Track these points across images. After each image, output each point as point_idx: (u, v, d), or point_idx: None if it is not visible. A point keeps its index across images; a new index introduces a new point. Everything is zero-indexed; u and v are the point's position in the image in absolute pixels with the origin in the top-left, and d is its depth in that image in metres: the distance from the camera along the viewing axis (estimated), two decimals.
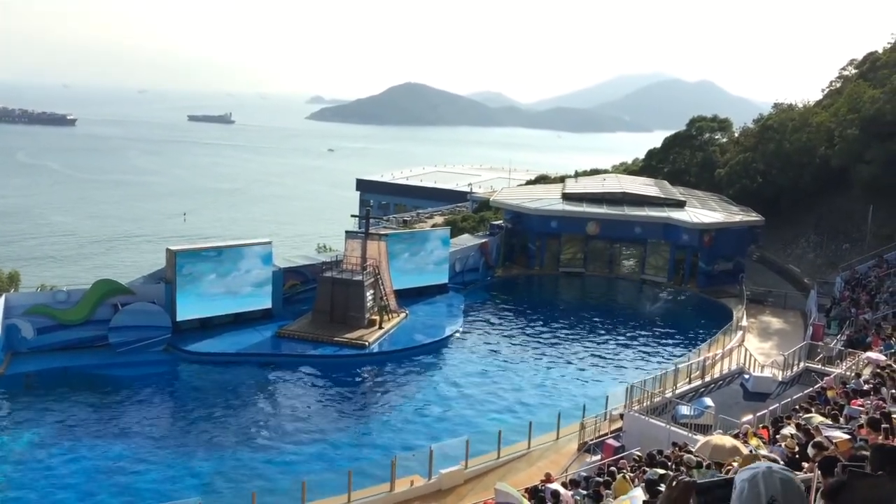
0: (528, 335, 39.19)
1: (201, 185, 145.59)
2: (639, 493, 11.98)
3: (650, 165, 69.66)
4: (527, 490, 15.76)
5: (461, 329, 38.87)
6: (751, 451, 14.67)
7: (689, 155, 67.89)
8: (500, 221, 53.44)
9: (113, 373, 30.94)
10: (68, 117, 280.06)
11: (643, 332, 40.12)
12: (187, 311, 34.57)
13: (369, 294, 37.27)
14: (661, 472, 15.19)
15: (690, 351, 34.52)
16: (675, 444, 19.07)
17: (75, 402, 28.18)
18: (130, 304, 32.90)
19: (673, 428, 22.62)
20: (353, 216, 54.53)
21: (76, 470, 23.28)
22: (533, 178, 79.57)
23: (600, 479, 16.81)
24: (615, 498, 13.90)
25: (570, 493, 16.11)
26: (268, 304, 37.27)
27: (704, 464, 14.36)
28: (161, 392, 30.38)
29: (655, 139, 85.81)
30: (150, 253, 76.30)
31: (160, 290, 34.23)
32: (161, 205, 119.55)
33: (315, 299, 37.78)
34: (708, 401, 24.79)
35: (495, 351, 36.50)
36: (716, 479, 3.01)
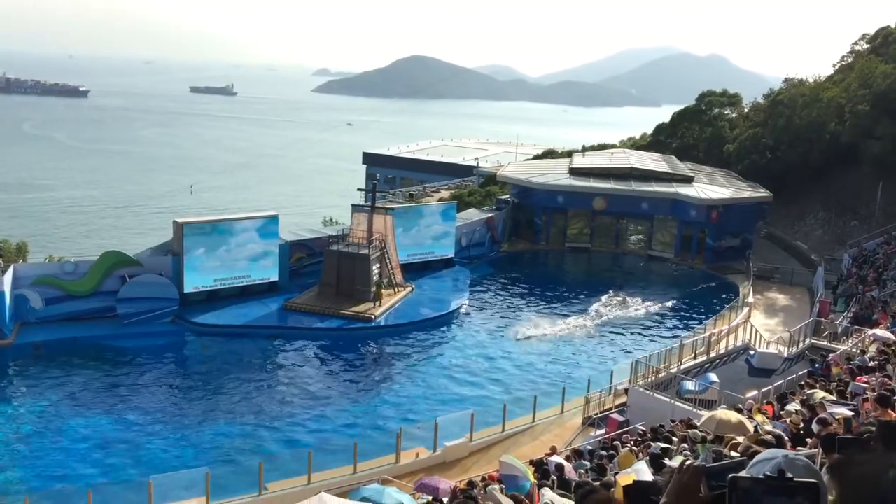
0: (533, 310, 39.24)
1: (207, 157, 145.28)
2: (643, 467, 12.08)
3: (658, 140, 69.13)
4: (531, 462, 15.87)
5: (467, 303, 38.96)
6: (756, 427, 14.76)
7: (697, 130, 67.36)
8: (507, 196, 53.29)
9: (121, 343, 31.19)
10: (80, 89, 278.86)
11: (649, 308, 40.11)
12: (194, 282, 34.71)
13: (375, 268, 37.33)
14: (665, 446, 15.36)
15: (696, 327, 34.56)
16: (679, 420, 19.16)
17: (84, 371, 28.44)
18: (138, 275, 33.05)
19: (677, 403, 22.72)
20: (359, 190, 54.24)
21: (84, 439, 23.55)
22: (540, 152, 79.13)
23: (604, 453, 16.95)
24: (619, 470, 14.00)
25: (573, 464, 16.25)
26: (274, 277, 37.39)
27: (709, 438, 14.44)
28: (168, 363, 30.63)
29: (664, 114, 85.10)
30: (156, 225, 76.44)
31: (167, 262, 34.36)
32: (167, 176, 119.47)
33: (321, 272, 37.86)
34: (713, 376, 24.87)
35: (501, 325, 36.60)
36: (727, 462, 2.98)
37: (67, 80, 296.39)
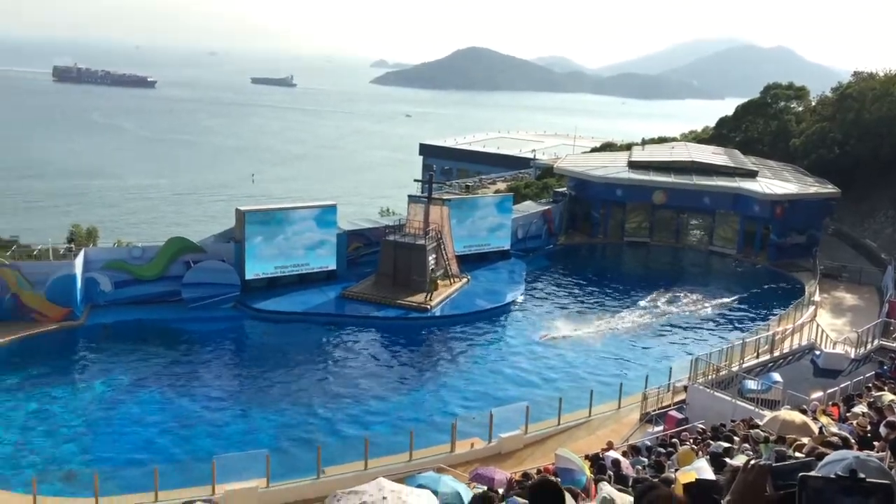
0: (589, 304, 38.94)
1: (267, 147, 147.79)
2: (704, 465, 11.90)
3: (721, 134, 67.61)
4: (587, 457, 15.79)
5: (522, 295, 38.86)
6: (821, 429, 14.40)
7: (762, 124, 65.66)
8: (564, 189, 52.89)
9: (185, 327, 32.09)
10: (149, 79, 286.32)
11: (710, 305, 39.39)
12: (255, 269, 35.45)
13: (431, 258, 37.52)
14: (726, 445, 15.10)
15: (759, 325, 33.82)
16: (740, 419, 18.82)
17: (150, 353, 29.36)
18: (202, 261, 33.92)
19: (739, 402, 22.31)
20: (415, 181, 54.60)
21: (149, 418, 24.31)
22: (598, 145, 78.25)
23: (662, 450, 16.74)
24: (678, 468, 13.82)
25: (630, 460, 16.11)
26: (332, 266, 37.91)
27: (772, 439, 14.15)
28: (230, 347, 31.39)
29: (727, 107, 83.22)
30: (218, 213, 78.21)
31: (230, 249, 35.16)
32: (229, 166, 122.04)
33: (378, 262, 38.23)
34: (776, 376, 24.34)
35: (556, 318, 36.40)
36: (794, 462, 2.94)
37: (135, 70, 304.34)
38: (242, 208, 36.25)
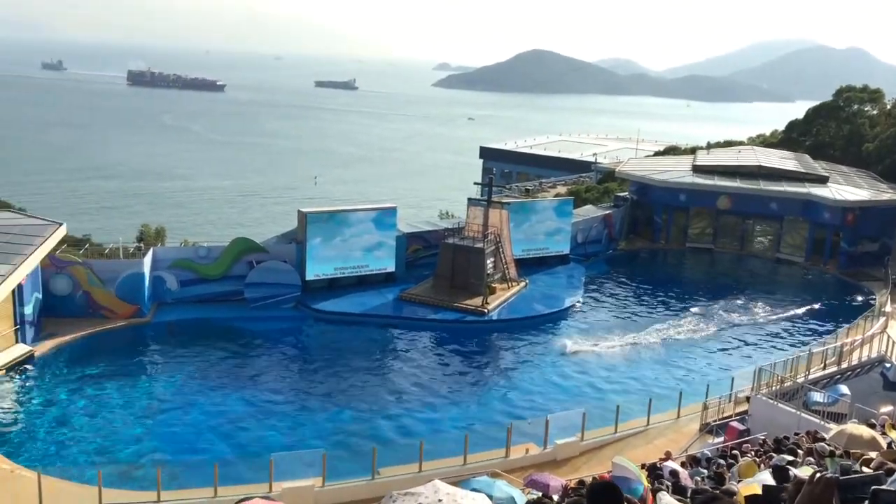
0: (650, 310, 38.32)
1: (330, 150, 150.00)
2: (767, 477, 11.57)
3: (790, 138, 65.70)
4: (645, 466, 15.52)
5: (581, 301, 38.47)
6: (889, 444, 13.86)
7: (834, 127, 63.55)
8: (626, 193, 52.20)
9: (247, 326, 32.78)
10: (218, 83, 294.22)
11: (775, 314, 38.33)
12: (315, 270, 35.99)
13: (490, 262, 37.46)
14: (790, 458, 14.65)
15: (826, 335, 32.75)
16: (805, 432, 18.24)
17: (213, 351, 30.06)
18: (264, 262, 34.61)
19: (804, 415, 21.63)
20: (475, 184, 54.59)
21: (211, 415, 24.90)
22: (661, 149, 76.98)
23: (723, 462, 16.35)
24: (738, 480, 13.47)
25: (689, 471, 15.77)
26: (391, 268, 38.21)
27: (838, 453, 13.68)
28: (290, 347, 31.90)
29: (797, 110, 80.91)
30: (281, 214, 79.70)
31: (292, 250, 35.79)
32: (293, 167, 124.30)
33: (436, 265, 38.37)
34: (843, 388, 23.51)
35: (615, 325, 35.92)
36: (862, 475, 2.85)
37: (205, 74, 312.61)
38: (304, 210, 36.85)
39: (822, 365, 26.97)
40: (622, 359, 31.59)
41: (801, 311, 39.18)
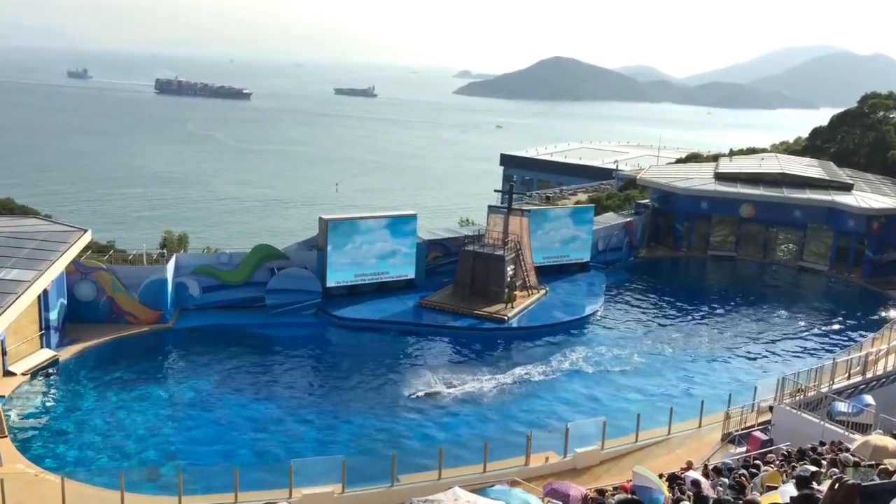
0: (671, 319, 38.06)
1: (349, 157, 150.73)
2: (790, 489, 11.45)
3: (814, 145, 65.09)
4: (665, 476, 15.38)
5: (602, 309, 38.29)
6: None
7: (859, 134, 62.86)
8: (647, 200, 51.95)
9: (268, 332, 32.98)
10: (244, 91, 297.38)
11: (798, 323, 37.95)
12: (336, 277, 36.14)
13: (510, 269, 37.41)
14: (814, 469, 14.46)
15: (850, 345, 32.34)
16: (829, 443, 18.01)
17: (234, 357, 30.26)
18: (285, 268, 34.81)
19: (828, 425, 21.34)
20: (496, 191, 54.66)
21: (232, 420, 25.04)
22: (683, 156, 76.55)
23: (745, 471, 16.17)
24: (762, 490, 13.34)
25: (711, 481, 15.61)
26: (411, 275, 38.28)
27: (863, 464, 13.49)
28: (311, 353, 32.00)
29: (821, 117, 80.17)
30: (301, 220, 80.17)
31: (312, 257, 35.97)
32: (313, 174, 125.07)
33: (456, 272, 38.38)
34: (868, 399, 23.17)
35: (636, 333, 35.73)
36: (884, 482, 2.84)
37: (230, 82, 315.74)
38: (325, 217, 37.03)
39: (847, 375, 26.61)
40: (644, 366, 31.37)
41: (824, 319, 38.74)
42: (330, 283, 35.88)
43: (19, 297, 23.38)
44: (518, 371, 30.59)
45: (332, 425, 25.15)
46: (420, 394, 27.42)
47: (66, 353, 28.80)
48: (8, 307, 22.39)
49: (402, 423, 25.52)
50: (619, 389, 29.22)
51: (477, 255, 37.70)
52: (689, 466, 17.07)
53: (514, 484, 18.71)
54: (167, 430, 24.33)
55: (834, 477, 10.76)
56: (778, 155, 61.79)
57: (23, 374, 26.39)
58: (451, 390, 27.87)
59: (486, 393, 28.20)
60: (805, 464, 15.13)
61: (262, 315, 33.88)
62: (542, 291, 39.26)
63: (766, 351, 34.15)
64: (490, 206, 41.35)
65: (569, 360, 31.99)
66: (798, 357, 33.02)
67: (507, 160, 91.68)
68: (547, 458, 22.40)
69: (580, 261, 43.50)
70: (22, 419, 24.18)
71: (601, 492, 15.85)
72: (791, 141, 76.99)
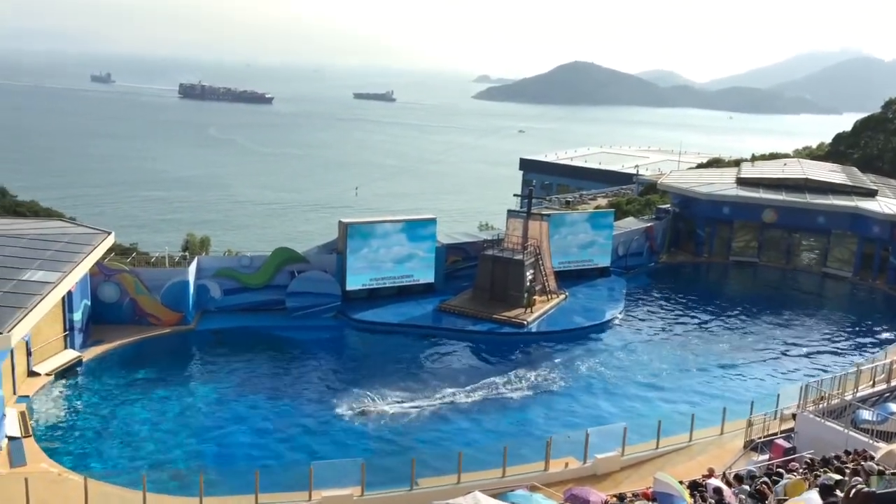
0: (692, 325, 37.79)
1: (368, 161, 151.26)
2: (814, 497, 11.32)
3: (837, 150, 64.56)
4: (686, 483, 15.26)
5: (622, 314, 38.10)
6: None
7: (883, 140, 62.26)
8: (668, 205, 51.66)
9: (288, 335, 33.14)
10: (266, 95, 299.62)
11: (822, 330, 37.54)
12: (356, 280, 36.25)
13: (529, 274, 37.34)
14: (837, 477, 14.29)
15: (875, 352, 31.95)
16: (853, 451, 17.80)
17: (255, 359, 30.45)
18: (305, 271, 34.98)
19: (852, 433, 21.09)
20: (515, 195, 54.63)
21: (253, 422, 25.17)
22: (704, 161, 76.09)
23: (767, 479, 16.01)
24: (784, 498, 13.20)
25: (733, 489, 15.47)
26: (430, 279, 38.32)
27: (888, 472, 13.31)
28: (330, 356, 32.08)
29: (844, 122, 79.41)
30: (321, 224, 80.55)
31: (332, 260, 36.11)
32: (333, 178, 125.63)
33: (476, 276, 38.36)
34: (893, 407, 22.85)
35: (656, 339, 35.52)
36: None
37: (253, 87, 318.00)
38: (345, 220, 37.17)
39: (871, 382, 26.26)
40: (664, 372, 31.18)
41: (848, 326, 38.30)
42: (349, 287, 36.00)
43: (44, 298, 23.64)
44: (536, 376, 30.49)
45: (352, 428, 25.17)
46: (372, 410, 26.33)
47: (90, 353, 29.11)
48: (33, 308, 22.66)
49: (421, 426, 25.51)
50: (639, 395, 29.05)
51: (496, 259, 37.67)
52: (711, 474, 16.94)
53: (533, 489, 18.67)
54: (189, 430, 24.48)
55: (850, 485, 10.66)
56: (801, 160, 61.28)
57: (47, 375, 26.70)
58: (466, 393, 27.85)
59: (503, 396, 28.15)
60: (828, 472, 14.96)
61: (282, 318, 34.05)
62: (562, 296, 39.13)
63: (789, 358, 33.81)
64: (509, 211, 41.31)
65: (588, 364, 31.87)
66: (821, 364, 32.65)
67: (526, 164, 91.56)
68: (567, 464, 22.30)
69: (600, 266, 43.31)
70: (46, 419, 24.46)
71: (621, 498, 15.76)
72: (814, 146, 76.32)
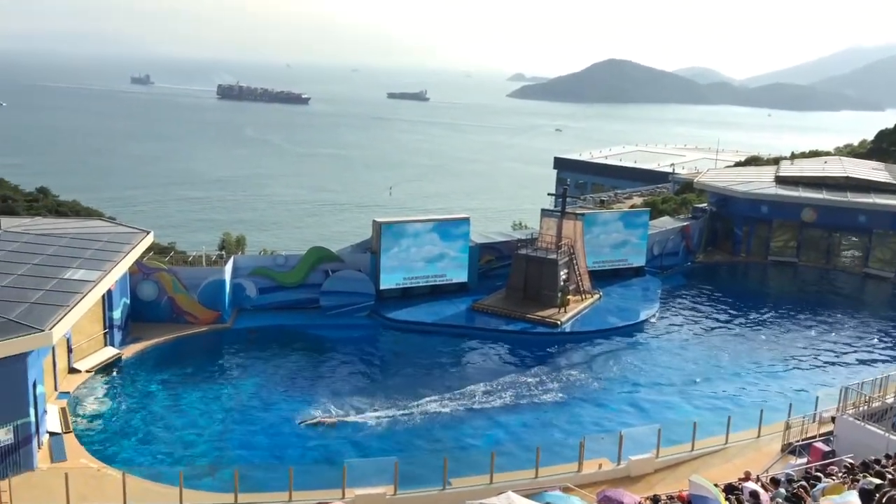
0: (729, 326, 37.25)
1: (403, 161, 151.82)
2: (854, 499, 11.09)
3: (880, 148, 63.18)
4: (723, 487, 15.04)
5: (657, 314, 37.71)
6: None
7: None
8: (705, 204, 51.00)
9: (322, 333, 33.40)
10: (303, 96, 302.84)
11: (862, 331, 36.74)
12: (389, 279, 36.40)
13: (563, 273, 37.13)
14: (878, 482, 13.98)
15: None
16: (895, 455, 17.39)
17: (289, 358, 30.72)
18: (339, 270, 35.23)
19: (893, 437, 20.62)
20: (549, 194, 54.38)
21: (287, 420, 25.38)
22: (742, 159, 75.01)
23: (805, 483, 15.72)
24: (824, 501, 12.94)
25: (770, 493, 15.22)
26: (464, 278, 38.32)
27: None
28: (364, 355, 32.25)
29: (887, 119, 77.62)
30: (355, 223, 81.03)
31: (366, 259, 36.31)
32: (367, 177, 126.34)
33: (509, 275, 38.26)
34: None
35: (692, 340, 35.08)
36: None
37: (288, 87, 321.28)
38: (379, 220, 37.34)
39: None
40: (700, 373, 30.79)
41: (890, 328, 37.44)
42: (383, 286, 36.15)
43: (85, 296, 24.11)
44: (569, 376, 30.33)
45: (386, 426, 25.25)
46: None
47: (129, 351, 29.65)
48: (74, 306, 23.13)
49: (454, 425, 25.51)
50: (673, 396, 28.71)
51: (530, 258, 37.54)
52: (748, 477, 16.68)
53: (567, 490, 18.55)
54: (225, 427, 24.80)
55: (883, 491, 10.44)
56: (842, 158, 60.06)
57: (87, 372, 27.26)
58: (498, 393, 27.80)
59: (536, 396, 28.04)
60: (869, 476, 14.64)
61: (317, 316, 34.32)
62: (596, 296, 38.86)
63: (829, 360, 33.15)
64: (543, 210, 41.12)
65: (622, 365, 31.61)
66: (862, 366, 31.96)
67: (560, 163, 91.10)
68: (600, 465, 22.14)
69: (635, 265, 42.92)
70: (86, 415, 24.97)
71: (656, 500, 15.60)
72: (855, 144, 74.80)
